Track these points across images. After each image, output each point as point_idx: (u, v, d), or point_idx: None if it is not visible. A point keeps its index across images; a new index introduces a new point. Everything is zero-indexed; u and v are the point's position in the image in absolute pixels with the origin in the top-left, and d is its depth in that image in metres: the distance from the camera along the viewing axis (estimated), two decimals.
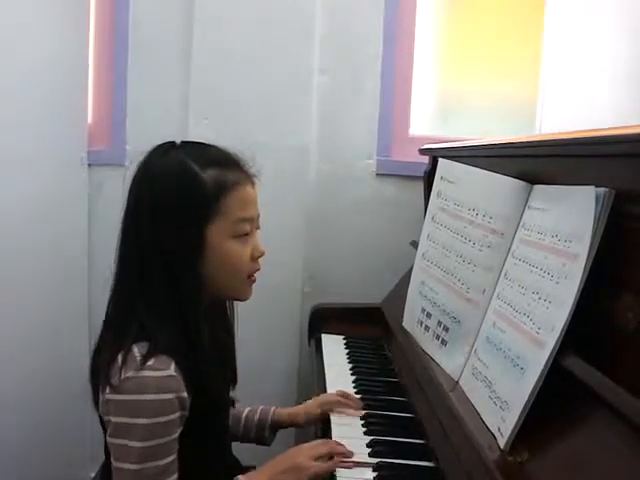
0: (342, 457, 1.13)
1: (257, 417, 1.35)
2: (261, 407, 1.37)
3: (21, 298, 1.77)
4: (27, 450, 1.79)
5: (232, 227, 1.08)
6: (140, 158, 1.10)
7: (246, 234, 1.10)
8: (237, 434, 1.34)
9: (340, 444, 1.16)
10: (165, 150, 1.10)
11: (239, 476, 1.09)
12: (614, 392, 0.75)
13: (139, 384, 0.98)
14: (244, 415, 1.35)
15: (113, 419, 1.00)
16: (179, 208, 1.05)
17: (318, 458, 1.11)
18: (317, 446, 1.16)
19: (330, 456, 1.13)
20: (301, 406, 1.38)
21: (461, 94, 2.22)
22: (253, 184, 1.13)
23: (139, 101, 2.10)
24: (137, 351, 1.00)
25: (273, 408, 1.37)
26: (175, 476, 1.01)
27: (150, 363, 0.99)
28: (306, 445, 1.16)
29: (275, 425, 1.35)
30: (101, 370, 1.03)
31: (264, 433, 1.35)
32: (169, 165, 1.07)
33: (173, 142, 1.12)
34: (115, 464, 1.00)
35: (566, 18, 1.98)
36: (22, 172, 1.75)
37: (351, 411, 1.32)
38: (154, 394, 0.98)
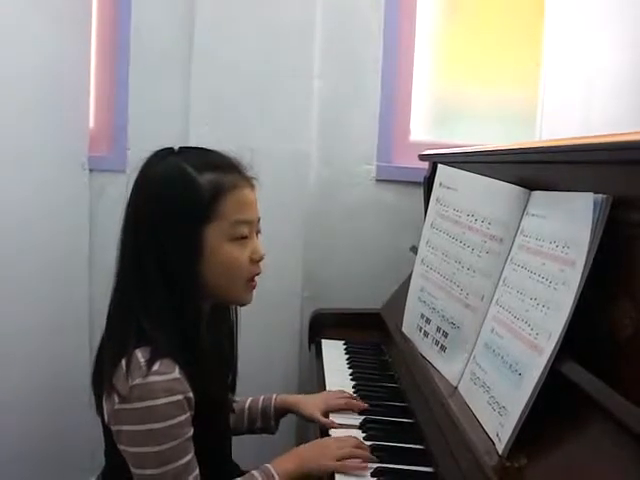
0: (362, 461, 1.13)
1: (260, 405, 1.37)
2: (263, 396, 1.38)
3: (22, 301, 1.78)
4: (26, 451, 1.80)
5: (229, 230, 1.08)
6: (141, 163, 1.11)
7: (244, 237, 1.10)
8: (241, 427, 1.35)
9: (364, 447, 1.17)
10: (163, 156, 1.11)
11: (267, 464, 1.10)
12: (611, 398, 0.76)
13: (149, 390, 0.99)
14: (247, 405, 1.37)
15: (126, 428, 1.01)
16: (175, 212, 1.06)
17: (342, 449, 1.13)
18: (346, 441, 1.17)
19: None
20: (304, 401, 1.37)
21: (461, 100, 2.23)
22: (252, 187, 1.13)
23: (140, 107, 2.10)
24: (141, 356, 1.01)
25: (275, 395, 1.38)
26: (196, 472, 1.03)
27: (156, 368, 1.00)
28: (336, 437, 1.20)
29: (279, 412, 1.37)
30: (104, 378, 1.04)
31: (270, 422, 1.36)
32: (166, 170, 1.09)
33: (172, 148, 1.13)
34: (135, 471, 1.01)
35: (566, 24, 1.99)
36: (23, 176, 1.76)
37: (347, 422, 1.31)
38: (164, 398, 0.99)
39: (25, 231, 1.78)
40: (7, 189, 1.70)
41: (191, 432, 1.03)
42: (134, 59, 2.10)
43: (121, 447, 1.03)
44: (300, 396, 1.43)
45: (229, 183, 1.09)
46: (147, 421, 0.99)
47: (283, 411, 1.38)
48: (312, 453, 1.14)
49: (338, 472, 1.10)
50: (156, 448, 0.99)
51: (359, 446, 1.16)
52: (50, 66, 1.85)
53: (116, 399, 1.01)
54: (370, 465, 1.12)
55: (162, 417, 0.99)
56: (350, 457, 1.12)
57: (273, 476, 1.08)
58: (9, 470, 1.73)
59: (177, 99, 2.08)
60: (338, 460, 1.11)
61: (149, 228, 1.06)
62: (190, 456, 1.02)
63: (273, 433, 1.38)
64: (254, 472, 1.09)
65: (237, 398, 1.33)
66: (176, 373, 1.01)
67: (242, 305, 1.19)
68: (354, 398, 1.39)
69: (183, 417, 1.01)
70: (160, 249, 1.05)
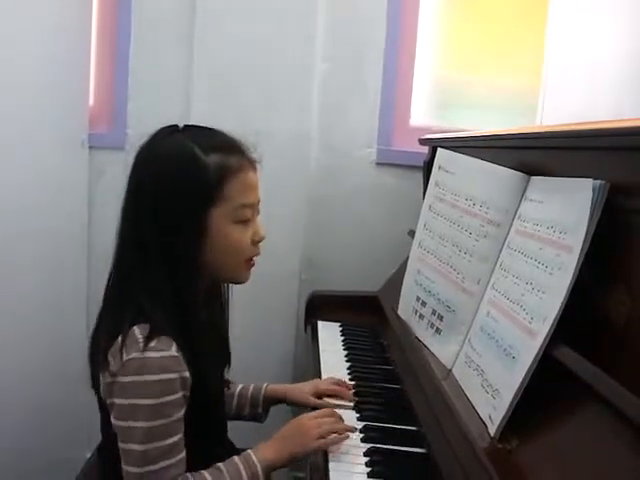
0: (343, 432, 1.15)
1: (250, 393, 1.37)
2: (253, 384, 1.38)
3: (20, 281, 1.77)
4: (25, 432, 1.80)
5: (234, 212, 1.08)
6: (141, 141, 1.10)
7: (247, 220, 1.10)
8: (229, 412, 1.35)
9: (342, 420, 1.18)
10: (168, 133, 1.10)
11: (248, 450, 1.10)
12: (604, 383, 0.76)
13: (143, 365, 0.99)
14: (237, 392, 1.37)
15: (117, 401, 1.01)
16: (180, 191, 1.05)
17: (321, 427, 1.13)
18: (323, 415, 1.18)
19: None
20: (294, 388, 1.38)
21: (463, 85, 2.22)
22: (255, 169, 1.13)
23: (141, 85, 2.10)
24: (138, 332, 1.01)
25: (265, 384, 1.38)
26: (182, 455, 1.02)
27: (153, 344, 1.00)
28: (311, 414, 1.19)
29: (267, 401, 1.36)
30: (100, 352, 1.04)
31: (257, 410, 1.36)
32: (172, 148, 1.08)
33: (176, 125, 1.12)
34: (122, 445, 1.01)
35: (570, 10, 1.98)
36: (22, 154, 1.75)
37: (342, 402, 1.32)
38: (158, 374, 0.99)
39: (24, 208, 1.77)
40: (6, 166, 1.69)
41: (182, 413, 1.02)
42: (135, 36, 2.09)
43: (112, 420, 1.03)
44: (290, 385, 1.41)
45: (235, 165, 1.08)
46: (138, 396, 0.99)
47: (273, 400, 1.37)
48: (293, 439, 1.12)
49: (321, 450, 1.11)
50: (144, 424, 0.98)
51: (333, 416, 1.17)
52: (50, 43, 1.83)
53: (110, 372, 1.01)
54: (364, 445, 1.14)
55: (153, 394, 0.99)
56: (330, 432, 1.12)
57: (255, 464, 1.06)
58: (8, 450, 1.74)
59: (178, 77, 2.07)
60: (319, 438, 1.11)
61: (152, 207, 1.05)
62: (177, 438, 1.01)
63: (261, 421, 1.37)
64: (235, 458, 1.07)
65: (230, 379, 1.33)
66: (173, 351, 1.01)
67: (239, 283, 1.19)
68: (345, 385, 1.39)
69: (174, 397, 1.00)
70: (163, 229, 1.04)
